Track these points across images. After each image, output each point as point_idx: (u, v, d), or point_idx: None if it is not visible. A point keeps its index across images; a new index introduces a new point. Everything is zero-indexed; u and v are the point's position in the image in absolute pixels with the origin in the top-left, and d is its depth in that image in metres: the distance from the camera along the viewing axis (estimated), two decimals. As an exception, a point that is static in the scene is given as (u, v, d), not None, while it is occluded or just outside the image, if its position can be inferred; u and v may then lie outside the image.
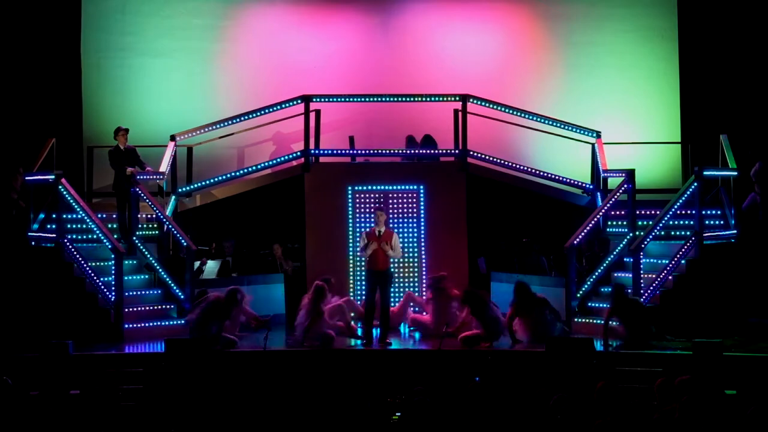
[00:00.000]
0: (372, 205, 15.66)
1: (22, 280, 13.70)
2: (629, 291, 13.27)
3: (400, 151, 16.30)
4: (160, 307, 14.26)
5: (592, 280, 14.16)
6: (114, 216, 15.10)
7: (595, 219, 14.55)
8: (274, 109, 16.20)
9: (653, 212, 14.95)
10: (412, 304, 14.81)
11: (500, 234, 17.03)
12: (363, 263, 15.62)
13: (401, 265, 15.62)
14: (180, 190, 15.72)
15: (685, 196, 14.25)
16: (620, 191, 14.72)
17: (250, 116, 16.23)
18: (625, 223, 14.85)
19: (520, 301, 13.11)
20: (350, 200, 15.79)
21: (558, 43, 17.67)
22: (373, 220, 13.71)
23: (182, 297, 14.11)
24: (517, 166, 16.16)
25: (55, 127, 15.74)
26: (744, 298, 13.87)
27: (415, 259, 15.78)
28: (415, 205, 15.85)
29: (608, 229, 15.12)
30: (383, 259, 13.33)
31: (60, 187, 14.17)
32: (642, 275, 13.68)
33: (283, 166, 16.20)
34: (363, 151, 16.36)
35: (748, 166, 15.21)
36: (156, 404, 10.37)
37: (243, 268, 15.95)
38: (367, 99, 16.48)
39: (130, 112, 16.33)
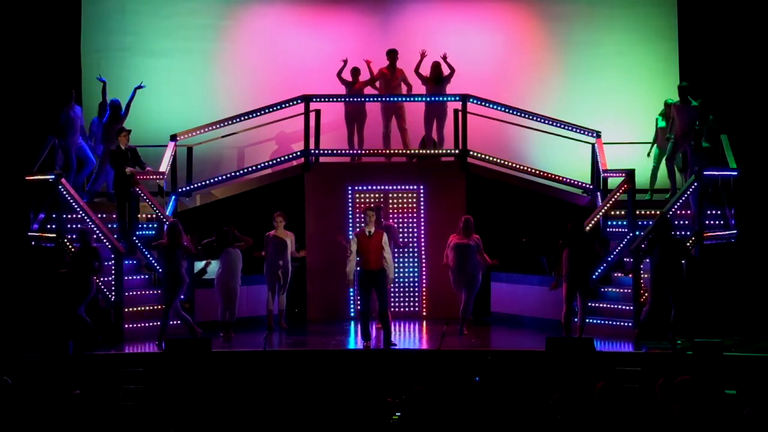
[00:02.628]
0: (372, 205, 15.66)
1: (23, 280, 13.69)
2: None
3: (400, 151, 16.31)
4: (160, 307, 14.23)
5: (592, 280, 14.14)
6: (114, 216, 15.13)
7: (595, 219, 14.55)
8: (274, 109, 16.21)
9: (653, 212, 14.95)
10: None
11: (500, 234, 17.03)
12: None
13: (401, 265, 15.64)
14: (180, 190, 15.71)
15: (685, 196, 14.25)
16: (620, 191, 14.72)
17: (250, 116, 16.24)
18: (625, 223, 14.85)
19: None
20: (350, 200, 15.81)
21: (558, 43, 17.67)
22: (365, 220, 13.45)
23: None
24: (517, 166, 16.16)
25: (55, 127, 15.72)
26: (744, 298, 13.90)
27: (415, 259, 15.79)
28: (415, 205, 15.87)
29: (608, 229, 15.11)
30: (375, 259, 12.97)
31: (60, 187, 14.17)
32: (642, 275, 13.68)
33: (283, 166, 16.21)
34: (363, 151, 16.36)
35: (749, 166, 15.25)
36: (156, 404, 10.37)
37: (243, 269, 15.90)
38: (367, 99, 16.47)
39: (130, 112, 16.29)
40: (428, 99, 16.25)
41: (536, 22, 17.76)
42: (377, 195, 15.83)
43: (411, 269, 15.81)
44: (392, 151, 16.30)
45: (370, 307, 13.01)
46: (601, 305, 14.12)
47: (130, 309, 13.78)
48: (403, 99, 16.38)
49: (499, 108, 16.29)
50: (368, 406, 7.60)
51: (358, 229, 13.71)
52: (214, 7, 17.64)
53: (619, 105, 16.40)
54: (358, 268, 13.14)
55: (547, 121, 16.38)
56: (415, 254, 15.80)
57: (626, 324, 13.57)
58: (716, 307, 13.60)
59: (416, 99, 16.36)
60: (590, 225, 14.26)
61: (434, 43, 17.40)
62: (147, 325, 13.77)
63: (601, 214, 14.68)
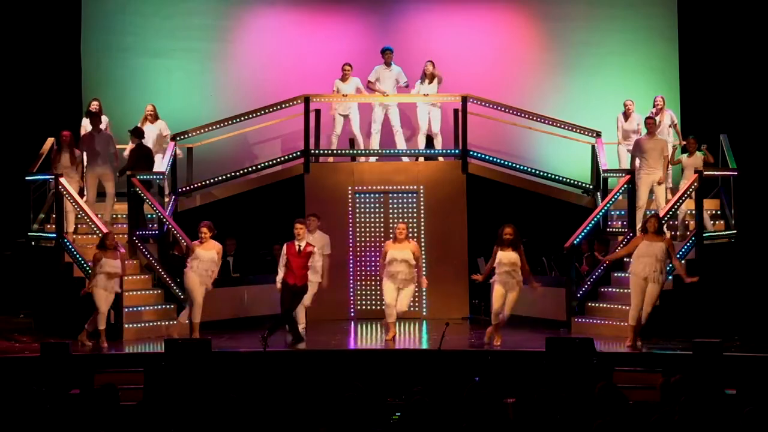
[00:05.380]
0: (373, 205, 15.71)
1: (22, 280, 13.69)
2: None
3: (400, 151, 16.31)
4: (160, 307, 14.25)
5: (592, 280, 14.16)
6: (114, 216, 15.16)
7: (595, 219, 14.54)
8: (275, 109, 16.21)
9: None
10: None
11: (500, 234, 16.99)
12: (363, 263, 15.66)
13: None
14: (180, 190, 15.71)
15: (686, 195, 14.23)
16: (620, 191, 14.71)
17: (251, 116, 16.23)
18: (625, 223, 14.84)
19: None
20: (350, 200, 15.80)
21: (558, 44, 17.68)
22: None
23: (182, 297, 14.10)
24: (517, 166, 16.16)
25: (56, 127, 15.72)
26: (744, 298, 13.89)
27: (415, 259, 15.77)
28: (415, 206, 15.86)
29: (608, 229, 15.11)
30: (302, 275, 13.07)
31: (60, 187, 14.16)
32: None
33: (283, 166, 16.20)
34: (363, 151, 16.36)
35: (749, 167, 15.26)
36: (156, 404, 10.35)
37: (243, 269, 15.93)
38: (367, 99, 16.46)
39: (131, 113, 16.31)
40: (428, 99, 16.25)
41: (536, 21, 17.77)
42: (377, 195, 15.84)
43: (411, 269, 15.78)
44: (392, 151, 16.30)
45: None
46: (601, 305, 14.12)
47: (130, 309, 13.77)
48: (403, 99, 16.38)
49: (499, 108, 16.29)
50: (368, 406, 7.60)
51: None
52: (214, 7, 17.64)
53: (619, 105, 16.38)
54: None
55: (547, 121, 16.38)
56: (415, 254, 15.78)
57: (626, 324, 13.54)
58: (716, 307, 13.58)
59: (416, 99, 16.37)
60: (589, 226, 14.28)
61: (434, 42, 17.43)
62: (147, 325, 13.78)
63: (601, 214, 14.68)
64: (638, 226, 14.40)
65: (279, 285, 13.06)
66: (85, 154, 14.89)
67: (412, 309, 15.60)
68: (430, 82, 16.17)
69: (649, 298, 12.65)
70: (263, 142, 17.26)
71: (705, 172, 14.38)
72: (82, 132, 15.73)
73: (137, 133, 15.16)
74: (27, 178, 14.62)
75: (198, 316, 13.22)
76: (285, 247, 13.15)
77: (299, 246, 13.02)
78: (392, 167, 16.16)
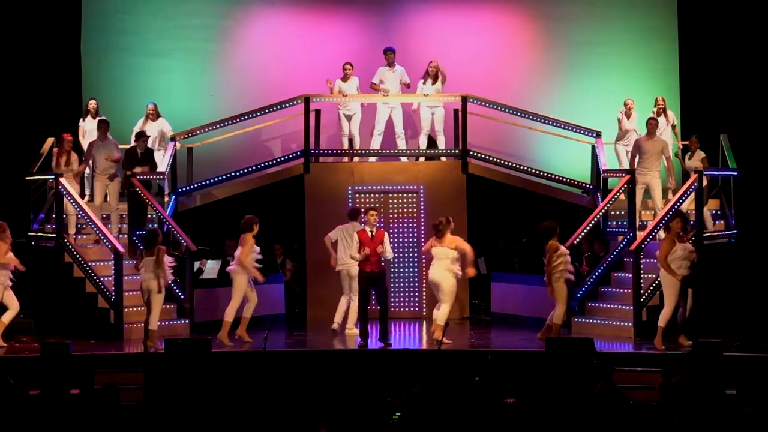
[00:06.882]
0: (373, 205, 15.66)
1: (22, 280, 13.69)
2: None
3: (400, 151, 16.31)
4: (162, 307, 14.22)
5: (592, 280, 14.16)
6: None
7: (595, 219, 14.54)
8: (275, 109, 16.21)
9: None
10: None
11: (500, 234, 17.03)
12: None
13: (401, 265, 15.65)
14: (180, 190, 15.71)
15: (685, 196, 14.23)
16: (620, 191, 14.71)
17: (251, 116, 16.23)
18: (625, 223, 14.84)
19: None
20: (350, 200, 15.81)
21: (558, 44, 17.69)
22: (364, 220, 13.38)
23: (182, 297, 14.11)
24: (517, 166, 16.16)
25: (55, 127, 15.73)
26: (744, 298, 13.89)
27: (415, 260, 15.78)
28: (415, 205, 15.87)
29: (608, 229, 15.11)
30: (376, 260, 12.94)
31: (60, 187, 14.16)
32: (642, 275, 13.67)
33: (283, 166, 16.20)
34: (363, 151, 16.36)
35: (749, 167, 15.26)
36: (156, 404, 10.36)
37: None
38: (367, 99, 16.46)
39: (131, 113, 16.31)
40: (428, 100, 16.25)
41: (536, 21, 17.78)
42: (377, 195, 15.84)
43: (411, 269, 15.80)
44: (392, 151, 16.30)
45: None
46: (601, 305, 14.12)
47: (130, 309, 13.77)
48: (403, 100, 16.38)
49: (499, 108, 16.30)
50: (368, 406, 7.60)
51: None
52: (214, 7, 17.65)
53: (619, 105, 16.38)
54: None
55: (547, 121, 16.38)
56: (415, 254, 15.79)
57: (626, 324, 13.56)
58: (716, 307, 13.59)
59: (416, 99, 16.37)
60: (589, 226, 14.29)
61: (434, 43, 17.44)
62: (147, 325, 13.78)
63: (600, 214, 14.68)
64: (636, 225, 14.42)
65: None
66: (92, 161, 14.93)
67: (412, 309, 15.67)
68: (434, 81, 16.16)
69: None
70: (263, 142, 17.26)
71: (705, 172, 14.38)
72: (80, 132, 15.76)
73: (142, 137, 15.18)
74: (27, 178, 14.63)
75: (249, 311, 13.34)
76: (357, 235, 13.12)
77: (371, 232, 13.00)
78: (392, 167, 16.16)
